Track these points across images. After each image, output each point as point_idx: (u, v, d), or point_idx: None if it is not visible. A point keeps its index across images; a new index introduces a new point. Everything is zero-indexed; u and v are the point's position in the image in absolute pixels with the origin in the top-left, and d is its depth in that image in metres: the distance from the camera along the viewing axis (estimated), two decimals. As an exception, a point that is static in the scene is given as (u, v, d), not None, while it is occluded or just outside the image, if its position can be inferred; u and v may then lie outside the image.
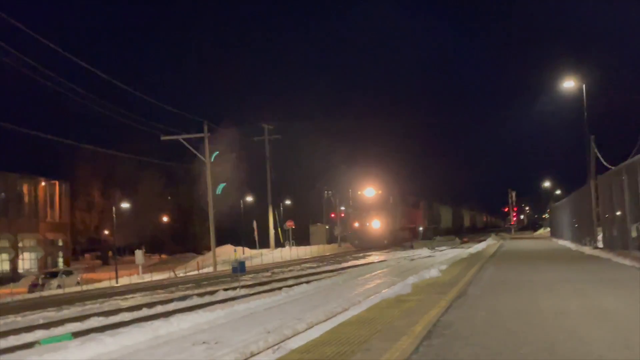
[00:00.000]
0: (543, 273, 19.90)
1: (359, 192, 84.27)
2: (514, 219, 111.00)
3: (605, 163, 29.03)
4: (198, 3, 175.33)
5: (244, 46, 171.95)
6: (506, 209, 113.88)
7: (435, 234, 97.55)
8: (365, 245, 76.21)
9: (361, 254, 55.66)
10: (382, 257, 47.70)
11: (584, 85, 34.70)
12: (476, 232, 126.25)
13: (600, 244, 29.19)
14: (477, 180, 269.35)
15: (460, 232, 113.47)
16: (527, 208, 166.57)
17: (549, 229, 74.67)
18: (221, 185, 57.85)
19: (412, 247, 64.71)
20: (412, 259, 43.05)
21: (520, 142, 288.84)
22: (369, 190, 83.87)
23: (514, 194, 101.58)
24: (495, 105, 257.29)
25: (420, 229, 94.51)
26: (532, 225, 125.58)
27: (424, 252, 53.69)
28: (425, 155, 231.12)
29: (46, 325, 16.21)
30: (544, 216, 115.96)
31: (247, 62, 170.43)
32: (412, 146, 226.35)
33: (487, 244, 51.43)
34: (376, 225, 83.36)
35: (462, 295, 15.19)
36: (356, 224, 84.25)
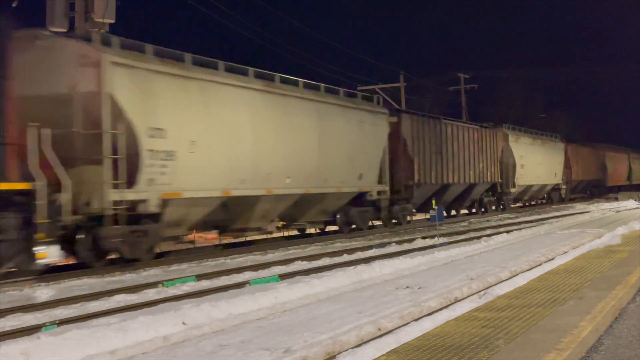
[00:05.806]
0: None
1: None
2: None
3: None
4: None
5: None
6: None
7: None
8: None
9: (562, 205, 53.90)
10: (584, 209, 45.93)
11: None
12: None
13: None
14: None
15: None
16: None
17: None
18: None
19: (616, 199, 61.78)
20: (618, 211, 41.25)
21: None
22: None
23: None
24: None
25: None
26: None
27: (630, 203, 51.31)
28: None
29: (254, 268, 16.97)
30: None
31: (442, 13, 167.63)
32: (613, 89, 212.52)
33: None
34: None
35: (679, 247, 14.38)
36: None
